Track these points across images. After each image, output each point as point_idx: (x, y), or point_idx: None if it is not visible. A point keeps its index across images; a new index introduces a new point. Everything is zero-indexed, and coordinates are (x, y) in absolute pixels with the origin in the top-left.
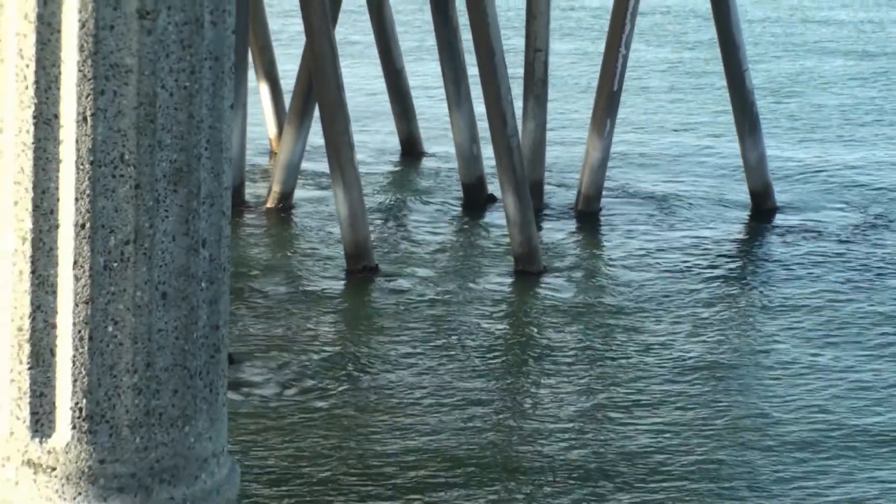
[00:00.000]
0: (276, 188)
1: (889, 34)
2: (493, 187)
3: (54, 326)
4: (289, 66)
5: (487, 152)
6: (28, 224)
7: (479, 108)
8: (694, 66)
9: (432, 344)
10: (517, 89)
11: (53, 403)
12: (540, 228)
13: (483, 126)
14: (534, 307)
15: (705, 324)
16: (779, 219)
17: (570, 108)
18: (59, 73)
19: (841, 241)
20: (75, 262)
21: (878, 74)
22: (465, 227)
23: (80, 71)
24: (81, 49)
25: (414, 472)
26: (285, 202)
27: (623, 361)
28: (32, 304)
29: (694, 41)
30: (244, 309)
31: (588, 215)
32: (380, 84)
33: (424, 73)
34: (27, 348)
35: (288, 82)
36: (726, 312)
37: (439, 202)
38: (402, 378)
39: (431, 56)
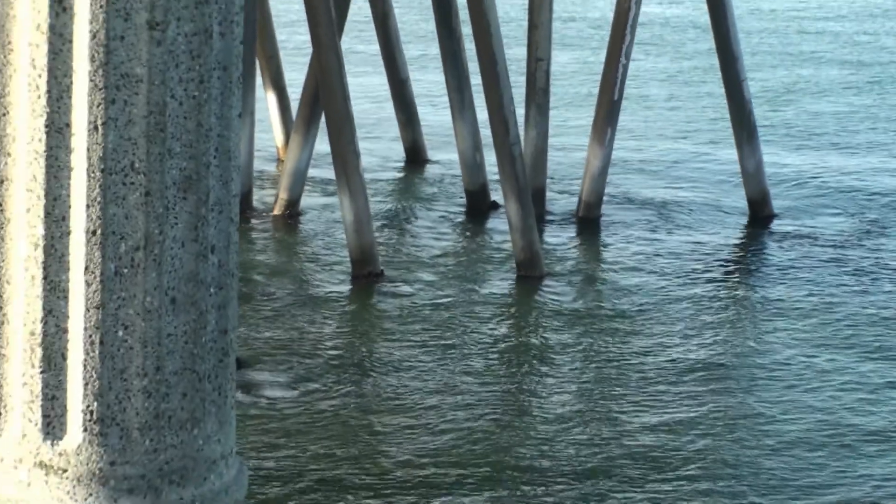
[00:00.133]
0: (283, 195)
1: (883, 45)
2: (496, 194)
3: (66, 331)
4: (295, 75)
5: (490, 160)
6: (40, 230)
7: (483, 116)
8: (692, 76)
9: (436, 347)
10: (519, 98)
11: (65, 406)
12: (542, 234)
13: (486, 134)
14: (535, 311)
15: (703, 326)
16: (776, 225)
17: (571, 117)
18: (71, 82)
19: (837, 247)
20: (86, 268)
21: (873, 83)
22: (469, 233)
23: (91, 81)
24: (93, 59)
25: (418, 472)
26: (292, 209)
27: (623, 363)
28: (44, 308)
29: (692, 51)
30: (252, 313)
31: (589, 221)
32: (385, 92)
33: (428, 82)
34: (39, 352)
35: (294, 90)
36: (724, 315)
37: (443, 209)
38: (406, 380)
39: (435, 65)
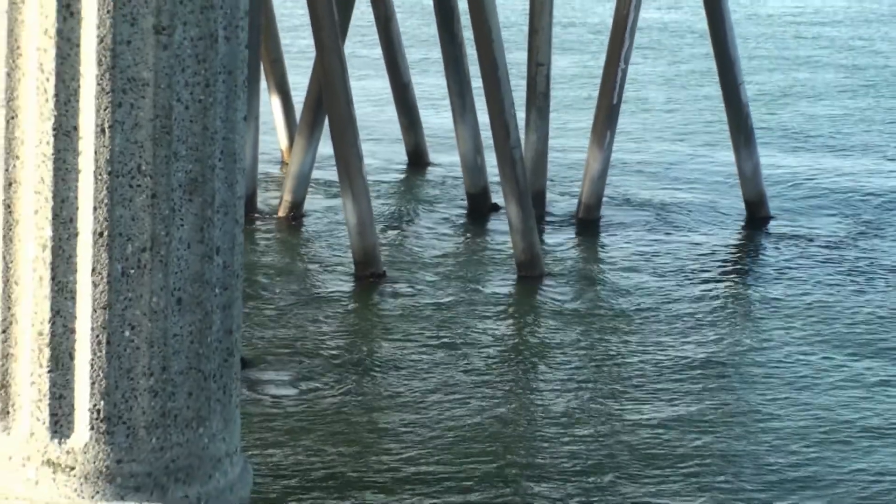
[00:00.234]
0: (288, 197)
1: (878, 49)
2: (497, 196)
3: (73, 331)
4: (299, 79)
5: (491, 162)
6: (48, 232)
7: (484, 119)
8: (690, 80)
9: (437, 346)
10: (520, 102)
11: (72, 405)
12: (542, 235)
13: (487, 137)
14: (535, 311)
15: (701, 325)
16: (772, 226)
17: (571, 120)
18: (79, 86)
19: (832, 247)
20: (94, 269)
21: (868, 87)
22: (470, 234)
23: (98, 84)
24: (100, 63)
25: (419, 469)
26: (296, 211)
27: (622, 361)
28: (52, 309)
29: (689, 55)
30: (257, 313)
31: (588, 223)
32: (387, 96)
33: (430, 86)
34: (47, 352)
35: (298, 94)
36: (721, 314)
37: (445, 211)
38: (408, 378)
39: (437, 69)
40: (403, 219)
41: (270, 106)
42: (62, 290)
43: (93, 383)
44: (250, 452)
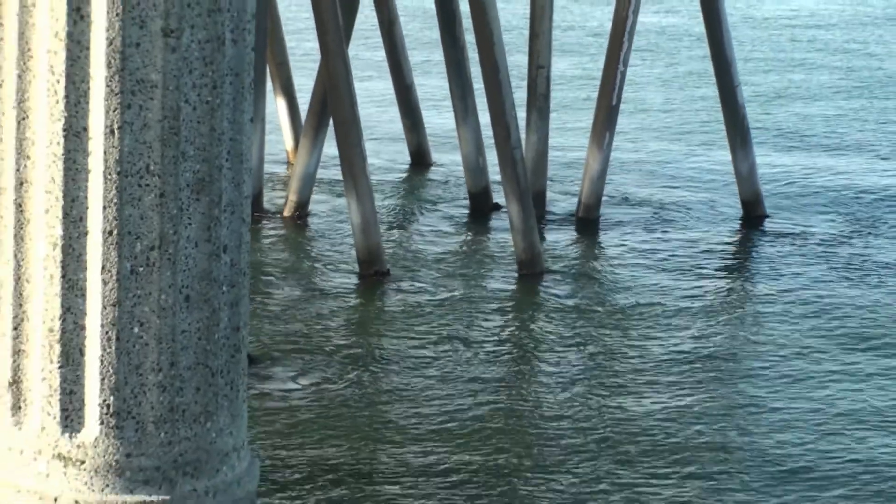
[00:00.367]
0: (293, 197)
1: (872, 52)
2: (498, 196)
3: (83, 328)
4: (304, 81)
5: (493, 163)
6: (58, 231)
7: (485, 120)
8: (687, 81)
9: (441, 342)
10: (521, 103)
11: (82, 400)
12: (542, 234)
13: (488, 137)
14: (536, 308)
15: (699, 321)
16: (768, 224)
17: (571, 121)
18: (88, 88)
19: (827, 244)
20: (103, 267)
21: (861, 88)
22: (472, 233)
23: (107, 86)
24: (109, 65)
25: (423, 461)
26: (301, 210)
27: (622, 356)
28: (63, 306)
29: (686, 58)
30: (263, 311)
31: (588, 222)
32: (390, 97)
33: (433, 88)
34: (58, 348)
35: (304, 96)
36: (719, 310)
37: (447, 210)
38: (411, 373)
39: (439, 71)
40: (407, 218)
41: (276, 107)
42: (72, 287)
43: (102, 379)
44: (259, 443)
